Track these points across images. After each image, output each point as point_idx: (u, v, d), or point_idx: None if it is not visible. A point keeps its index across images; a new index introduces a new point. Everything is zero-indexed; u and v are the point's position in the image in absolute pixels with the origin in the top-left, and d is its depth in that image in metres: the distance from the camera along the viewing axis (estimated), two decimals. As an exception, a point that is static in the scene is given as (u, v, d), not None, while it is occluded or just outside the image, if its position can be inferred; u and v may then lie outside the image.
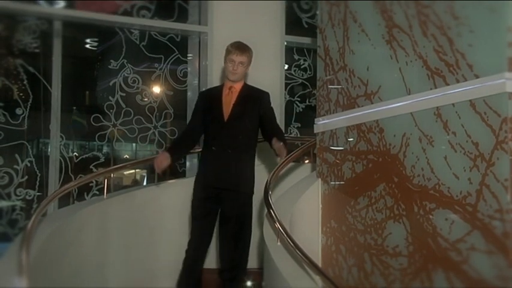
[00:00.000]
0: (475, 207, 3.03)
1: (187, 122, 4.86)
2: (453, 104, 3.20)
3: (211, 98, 4.58)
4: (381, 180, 3.78)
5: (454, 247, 3.15)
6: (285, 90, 6.64)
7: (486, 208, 2.96)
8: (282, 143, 4.22)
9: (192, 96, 6.39)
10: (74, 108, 6.53)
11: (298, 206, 4.29)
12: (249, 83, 5.42)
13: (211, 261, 4.90)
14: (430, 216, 3.33)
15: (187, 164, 6.26)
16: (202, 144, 4.63)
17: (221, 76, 5.91)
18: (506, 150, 2.86)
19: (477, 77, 3.06)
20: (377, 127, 3.84)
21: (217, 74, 6.00)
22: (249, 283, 4.94)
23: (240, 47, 4.48)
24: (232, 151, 4.38)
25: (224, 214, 4.42)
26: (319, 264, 4.15)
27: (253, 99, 4.52)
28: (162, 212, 5.05)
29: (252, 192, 4.46)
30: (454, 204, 3.16)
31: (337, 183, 4.26)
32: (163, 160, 4.42)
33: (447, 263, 3.19)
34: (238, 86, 4.54)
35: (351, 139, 4.10)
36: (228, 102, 4.48)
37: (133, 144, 6.75)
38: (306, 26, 6.87)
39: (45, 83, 6.01)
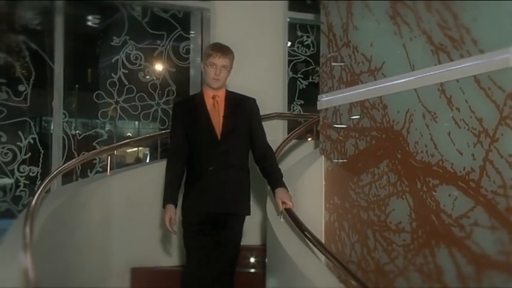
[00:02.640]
0: (478, 183, 3.02)
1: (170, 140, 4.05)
2: (457, 80, 3.18)
3: (193, 110, 3.89)
4: (384, 157, 3.77)
5: (457, 223, 3.15)
6: (288, 67, 6.63)
7: (489, 184, 2.96)
8: (287, 192, 3.79)
9: (195, 74, 6.39)
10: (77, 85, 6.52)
11: (301, 183, 4.30)
12: (253, 61, 5.39)
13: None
14: (434, 193, 3.33)
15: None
16: (188, 165, 3.90)
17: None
18: (510, 125, 2.85)
19: (482, 52, 3.04)
20: (380, 103, 3.82)
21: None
22: (252, 259, 4.97)
23: (222, 49, 3.86)
24: (229, 171, 3.81)
25: (221, 239, 3.83)
26: (323, 240, 4.16)
27: (241, 108, 3.91)
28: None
29: (249, 213, 3.95)
30: (457, 180, 3.16)
31: (340, 160, 4.25)
32: (172, 215, 3.72)
33: (450, 238, 3.19)
34: (221, 94, 3.90)
35: (354, 116, 4.09)
36: (216, 115, 3.85)
37: (136, 122, 6.76)
38: (309, 1, 6.82)
39: (48, 59, 6.00)
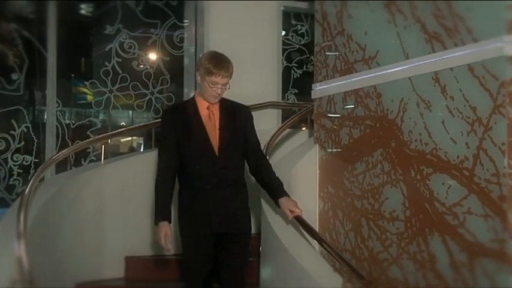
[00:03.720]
0: (471, 171, 3.03)
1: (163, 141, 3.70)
2: (451, 69, 3.18)
3: (187, 121, 3.60)
4: (378, 146, 3.77)
5: (450, 211, 3.16)
6: (282, 56, 6.61)
7: (483, 172, 2.97)
8: (291, 199, 3.65)
9: (189, 63, 6.36)
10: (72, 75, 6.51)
11: (295, 172, 4.30)
12: (246, 49, 5.36)
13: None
14: (427, 181, 3.34)
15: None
16: (180, 181, 3.65)
17: (215, 43, 5.85)
18: (503, 114, 2.85)
19: (476, 41, 3.04)
20: (374, 92, 3.82)
21: (214, 42, 5.95)
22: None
23: (224, 66, 3.54)
24: (228, 188, 3.56)
25: (232, 263, 3.62)
26: (317, 229, 4.16)
27: (237, 118, 3.67)
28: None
29: (251, 229, 3.74)
30: (451, 169, 3.17)
31: (334, 149, 4.25)
32: (167, 231, 3.48)
33: (443, 226, 3.20)
34: (216, 104, 3.64)
35: (349, 105, 4.08)
36: (213, 128, 3.58)
37: (130, 112, 6.74)
38: (304, -10, 6.80)
39: (41, 48, 5.97)
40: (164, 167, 3.59)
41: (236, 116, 3.67)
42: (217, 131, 3.57)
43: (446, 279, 3.17)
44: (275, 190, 3.68)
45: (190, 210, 3.57)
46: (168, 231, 3.48)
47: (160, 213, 3.53)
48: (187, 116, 3.61)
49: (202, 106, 3.61)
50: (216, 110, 3.62)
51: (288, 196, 3.64)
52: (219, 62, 3.54)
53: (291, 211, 3.59)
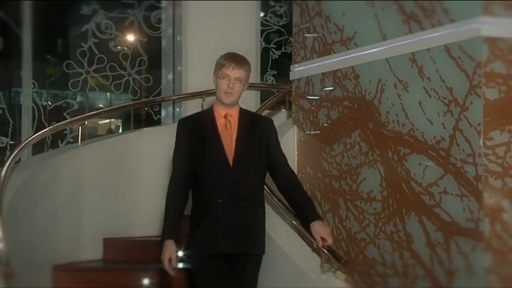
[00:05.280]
0: (448, 151, 3.06)
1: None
2: (428, 49, 3.20)
3: (202, 130, 3.34)
4: (356, 127, 3.79)
5: (427, 191, 3.20)
6: (261, 37, 6.58)
7: (459, 152, 3.00)
8: (324, 225, 3.36)
9: (166, 44, 6.30)
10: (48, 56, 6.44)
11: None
12: (224, 30, 5.31)
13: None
14: (404, 162, 3.36)
15: (163, 112, 6.22)
16: (193, 195, 3.39)
17: (193, 24, 5.80)
18: (479, 94, 2.88)
19: (452, 21, 3.06)
20: (352, 73, 3.83)
21: (192, 23, 5.91)
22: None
23: (237, 59, 3.31)
24: (243, 203, 3.26)
25: (237, 283, 3.32)
26: (295, 210, 4.18)
27: (257, 130, 3.38)
28: (138, 160, 5.02)
29: (264, 252, 3.40)
30: (427, 149, 3.20)
31: (312, 130, 4.26)
32: (172, 253, 3.17)
33: (420, 206, 3.24)
34: (235, 113, 3.36)
35: (327, 86, 4.09)
36: (229, 137, 3.30)
37: (108, 94, 6.69)
38: (282, -30, 6.78)
39: (16, 28, 5.89)
40: (176, 178, 3.33)
41: (256, 127, 3.38)
42: (234, 142, 3.29)
43: (422, 258, 3.21)
44: (308, 213, 3.35)
45: (199, 227, 3.27)
46: (173, 252, 3.17)
47: (168, 230, 3.25)
48: (203, 124, 3.35)
49: (220, 115, 3.34)
50: (234, 120, 3.34)
51: (321, 220, 3.35)
52: (231, 55, 3.34)
53: (323, 239, 3.25)
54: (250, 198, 3.29)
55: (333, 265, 3.31)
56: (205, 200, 3.27)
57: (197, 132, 3.33)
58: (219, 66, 3.30)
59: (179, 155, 3.35)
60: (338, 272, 3.28)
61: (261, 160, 3.35)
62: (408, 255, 3.31)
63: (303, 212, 3.39)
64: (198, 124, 3.37)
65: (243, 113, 3.40)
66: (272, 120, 3.51)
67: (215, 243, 3.23)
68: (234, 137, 3.31)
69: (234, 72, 3.26)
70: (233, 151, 3.27)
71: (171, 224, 3.26)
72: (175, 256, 3.17)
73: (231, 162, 3.26)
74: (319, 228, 3.26)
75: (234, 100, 3.32)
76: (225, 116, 3.33)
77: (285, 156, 3.46)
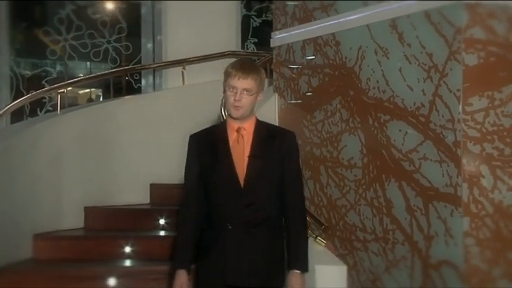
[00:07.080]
0: (427, 118, 3.08)
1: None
2: (408, 15, 3.19)
3: (212, 146, 2.93)
4: (336, 94, 3.79)
5: (406, 157, 3.22)
6: (241, 4, 6.52)
7: (438, 118, 3.01)
8: (301, 281, 2.85)
9: (146, 11, 6.22)
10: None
11: (254, 121, 4.29)
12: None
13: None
14: (384, 128, 3.38)
15: (143, 81, 6.18)
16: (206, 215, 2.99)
17: None
18: (459, 60, 2.89)
19: (433, -13, 3.05)
20: (333, 40, 3.82)
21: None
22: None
23: (244, 67, 2.86)
24: (257, 230, 2.85)
25: None
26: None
27: (274, 145, 2.91)
28: (117, 128, 4.99)
29: (282, 285, 2.92)
30: (407, 116, 3.21)
31: (293, 98, 4.26)
32: (183, 285, 2.88)
33: (400, 172, 3.26)
34: (249, 126, 2.91)
35: (308, 53, 4.07)
36: (241, 154, 2.88)
37: (88, 63, 6.62)
38: None
39: (-8, -5, 5.80)
40: (187, 200, 2.98)
41: (274, 143, 2.92)
42: (246, 159, 2.87)
43: (402, 223, 3.24)
44: (291, 257, 2.87)
45: (207, 254, 2.92)
46: (184, 284, 2.87)
47: (179, 259, 2.94)
48: (214, 140, 2.95)
49: (232, 129, 2.92)
50: (247, 134, 2.90)
51: (302, 271, 2.85)
52: (238, 63, 2.93)
53: None
54: (265, 225, 2.87)
55: (313, 231, 3.33)
56: (215, 225, 2.91)
57: (207, 149, 2.95)
58: (226, 75, 2.88)
59: (189, 174, 2.99)
60: (319, 238, 3.30)
61: (277, 180, 2.90)
62: (388, 221, 3.35)
63: (290, 252, 2.89)
64: (208, 139, 2.98)
65: (259, 126, 2.95)
66: (295, 135, 3.01)
67: (221, 273, 2.85)
68: (247, 153, 2.88)
69: (240, 83, 2.81)
70: (245, 169, 2.86)
71: (182, 253, 2.94)
72: (185, 284, 2.89)
73: (242, 182, 2.85)
74: (294, 281, 2.83)
75: (244, 113, 2.85)
76: (238, 130, 2.91)
77: (298, 178, 2.98)
